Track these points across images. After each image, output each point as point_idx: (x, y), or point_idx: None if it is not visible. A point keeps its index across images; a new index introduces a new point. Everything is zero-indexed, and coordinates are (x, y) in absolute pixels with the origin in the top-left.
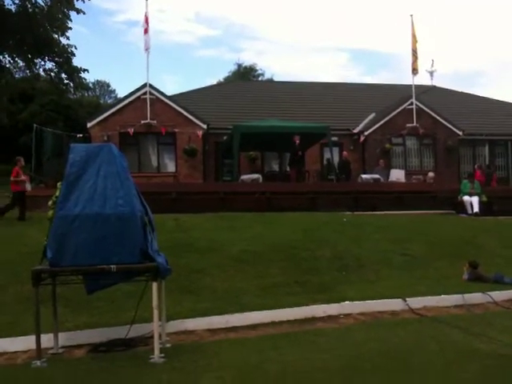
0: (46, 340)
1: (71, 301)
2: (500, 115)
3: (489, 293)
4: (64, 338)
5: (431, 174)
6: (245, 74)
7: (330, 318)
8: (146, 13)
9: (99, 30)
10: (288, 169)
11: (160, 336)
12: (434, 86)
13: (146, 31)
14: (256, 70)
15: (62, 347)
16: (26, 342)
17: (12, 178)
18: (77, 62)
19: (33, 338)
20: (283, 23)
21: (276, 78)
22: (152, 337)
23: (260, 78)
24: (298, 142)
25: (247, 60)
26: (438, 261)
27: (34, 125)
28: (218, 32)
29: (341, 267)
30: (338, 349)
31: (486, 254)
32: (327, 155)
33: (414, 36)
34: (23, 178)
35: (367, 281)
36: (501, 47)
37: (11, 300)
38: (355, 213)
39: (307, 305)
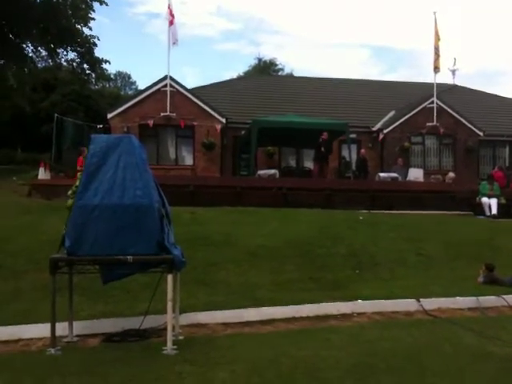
0: (61, 328)
1: (87, 290)
2: None
3: (504, 296)
4: (79, 327)
5: (451, 174)
6: (265, 69)
7: (343, 316)
8: (169, 5)
9: (120, 21)
10: (312, 165)
11: (173, 328)
12: (456, 85)
13: (171, 23)
14: (276, 65)
15: (77, 336)
16: (41, 330)
17: (78, 168)
18: (98, 52)
19: (48, 325)
20: (304, 18)
21: (296, 74)
22: (165, 328)
23: (280, 73)
24: (325, 138)
25: (267, 54)
26: (453, 262)
27: (55, 114)
28: (238, 25)
29: (355, 265)
30: (352, 347)
31: (502, 257)
32: (345, 152)
33: (436, 34)
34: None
35: (381, 279)
36: None
37: (29, 287)
38: (372, 211)
39: (321, 302)
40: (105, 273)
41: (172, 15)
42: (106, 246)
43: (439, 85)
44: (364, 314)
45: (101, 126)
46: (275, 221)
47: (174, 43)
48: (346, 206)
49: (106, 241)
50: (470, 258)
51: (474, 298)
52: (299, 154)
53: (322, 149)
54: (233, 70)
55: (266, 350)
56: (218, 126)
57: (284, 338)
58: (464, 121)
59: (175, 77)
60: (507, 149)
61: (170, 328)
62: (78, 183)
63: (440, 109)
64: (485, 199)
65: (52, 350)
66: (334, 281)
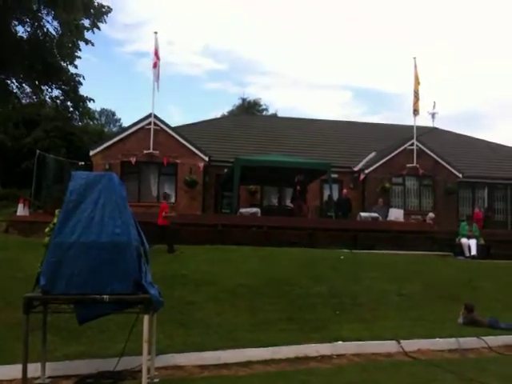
0: (33, 369)
1: (61, 329)
2: (500, 159)
3: (483, 338)
4: (52, 368)
5: (431, 215)
6: (249, 109)
7: (323, 357)
8: (156, 47)
9: (108, 60)
10: (290, 203)
11: (149, 370)
12: (435, 128)
13: (155, 65)
14: (260, 105)
15: (49, 377)
16: (12, 371)
17: (164, 214)
18: (84, 89)
19: (20, 366)
20: (289, 59)
21: (280, 114)
22: (141, 370)
23: (264, 113)
24: (298, 178)
25: (252, 94)
26: (434, 302)
27: (37, 150)
28: (224, 66)
29: (336, 305)
30: None
31: (482, 298)
32: (327, 192)
33: (416, 78)
34: (173, 214)
35: (362, 320)
36: (503, 90)
37: (1, 326)
38: (353, 251)
39: (300, 343)
40: (80, 312)
41: (157, 57)
42: (81, 284)
43: (419, 127)
44: (344, 355)
45: (83, 162)
46: (256, 259)
47: (156, 81)
48: (328, 245)
49: (81, 279)
50: (450, 299)
51: (454, 340)
52: (281, 193)
53: (298, 187)
54: (218, 110)
55: None
56: (201, 164)
57: (262, 380)
58: (443, 162)
59: (161, 115)
60: (486, 190)
61: (145, 370)
62: (55, 220)
63: (420, 150)
64: (464, 240)
65: None
66: (314, 321)
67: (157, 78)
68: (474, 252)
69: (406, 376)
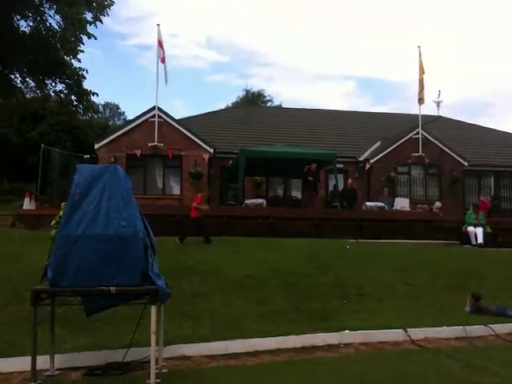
0: (43, 361)
1: (70, 322)
2: (506, 147)
3: (491, 325)
4: (60, 360)
5: (438, 204)
6: (253, 100)
7: (330, 347)
8: (160, 40)
9: (112, 53)
10: (299, 194)
11: (157, 361)
12: (440, 116)
13: (163, 60)
14: (264, 97)
15: (58, 369)
16: (21, 363)
17: (195, 204)
18: (88, 83)
19: (29, 359)
20: (292, 50)
21: (284, 105)
22: (149, 361)
23: (268, 105)
24: (313, 168)
25: (256, 85)
26: (440, 291)
27: (42, 144)
28: (227, 58)
29: (343, 295)
30: (338, 379)
31: (489, 286)
32: (332, 182)
33: (421, 67)
34: (205, 207)
35: (369, 310)
36: (508, 78)
37: (10, 319)
38: (359, 240)
39: (307, 333)
40: (88, 304)
41: (162, 48)
42: (89, 276)
43: (424, 116)
44: (351, 344)
45: (88, 156)
46: (262, 250)
47: (166, 82)
48: (334, 235)
49: (89, 272)
50: (457, 288)
51: (461, 328)
52: (286, 184)
53: (310, 178)
54: (222, 102)
55: (251, 383)
56: (206, 156)
57: (269, 370)
58: (449, 151)
59: (165, 108)
60: (492, 178)
61: (153, 361)
62: (61, 213)
63: (425, 139)
64: (471, 228)
65: None
66: (321, 311)
67: (165, 72)
68: (480, 240)
69: (413, 364)
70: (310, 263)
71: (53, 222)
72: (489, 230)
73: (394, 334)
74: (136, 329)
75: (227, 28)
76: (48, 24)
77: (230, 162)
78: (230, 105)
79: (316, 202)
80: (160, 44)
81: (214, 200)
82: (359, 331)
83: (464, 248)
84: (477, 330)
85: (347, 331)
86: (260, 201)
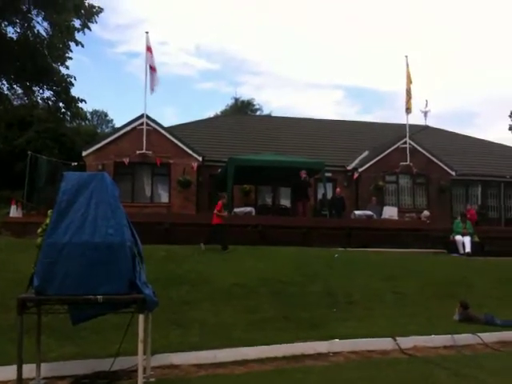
0: (29, 370)
1: (57, 330)
2: (493, 156)
3: (479, 334)
4: (47, 369)
5: (426, 213)
6: (242, 109)
7: (319, 355)
8: (149, 47)
9: (100, 60)
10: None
11: (144, 370)
12: (428, 126)
13: (154, 69)
14: (253, 105)
15: (44, 378)
16: (7, 372)
17: (216, 212)
18: (76, 90)
19: (15, 367)
20: (283, 59)
21: (274, 114)
22: (136, 370)
23: (258, 113)
24: (304, 176)
25: (246, 94)
26: (429, 300)
27: (29, 152)
28: (217, 66)
29: (331, 303)
30: None
31: (477, 295)
32: (321, 190)
33: (408, 76)
34: (225, 213)
35: (358, 318)
36: (495, 88)
37: None
38: (347, 249)
39: (296, 341)
40: (74, 313)
41: (151, 53)
42: (75, 285)
43: (412, 126)
44: (340, 353)
45: (75, 163)
46: (251, 259)
47: (152, 89)
48: (322, 243)
49: (75, 280)
50: (445, 296)
51: (449, 336)
52: (275, 192)
53: (305, 187)
54: (211, 110)
55: None
56: (195, 164)
57: (258, 378)
58: (436, 160)
59: (154, 116)
60: (479, 188)
61: (140, 370)
62: (48, 221)
63: (413, 149)
64: (458, 237)
65: None
66: (310, 320)
67: (156, 80)
68: (468, 249)
69: (402, 373)
70: (299, 272)
71: (39, 230)
72: (476, 238)
73: (383, 343)
74: (123, 338)
75: (217, 36)
76: (36, 31)
77: (219, 170)
78: (219, 113)
79: (308, 209)
80: (149, 50)
81: (202, 208)
82: (348, 340)
83: (452, 257)
84: (465, 338)
85: (336, 340)
86: (249, 209)
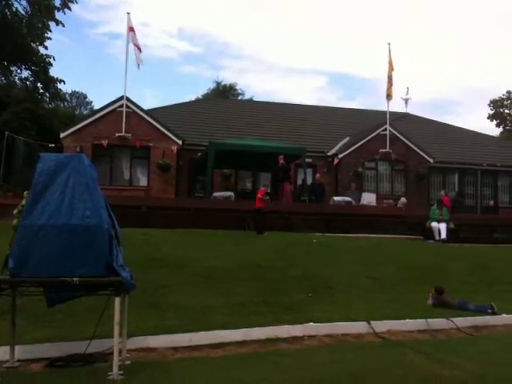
0: (2, 352)
1: (31, 313)
2: (471, 144)
3: (452, 319)
4: (21, 351)
5: (403, 200)
6: (224, 93)
7: (294, 339)
8: (131, 27)
9: (80, 41)
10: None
11: (120, 352)
12: (408, 113)
13: (139, 48)
14: (236, 90)
15: (19, 361)
16: None
17: (259, 196)
18: (56, 71)
19: None
20: (265, 43)
21: (256, 99)
22: (112, 353)
23: (239, 98)
24: (281, 161)
25: (227, 78)
26: (404, 285)
27: (6, 132)
28: (199, 49)
29: (309, 288)
30: (301, 370)
31: (452, 280)
32: (301, 176)
33: (390, 63)
34: (267, 197)
35: (335, 303)
36: (476, 77)
37: None
38: (326, 234)
39: (272, 325)
40: (50, 295)
41: (134, 34)
42: (51, 267)
43: (392, 113)
44: (314, 336)
45: (53, 145)
46: (230, 243)
47: (138, 65)
48: (302, 228)
49: (51, 262)
50: (421, 282)
51: (423, 321)
52: (255, 177)
53: (280, 174)
54: (193, 93)
55: (215, 374)
56: (174, 148)
57: (233, 361)
58: (415, 148)
59: (135, 98)
60: (456, 175)
61: (116, 352)
62: (24, 202)
63: (393, 136)
64: (434, 224)
65: None
66: (288, 304)
67: (137, 57)
68: (443, 236)
69: (375, 356)
70: (279, 256)
71: (15, 211)
72: (452, 225)
73: (358, 327)
74: (99, 320)
75: (199, 19)
76: (14, 9)
77: (199, 154)
78: (200, 97)
79: (290, 192)
80: (132, 30)
81: (182, 192)
82: (323, 324)
83: (428, 243)
84: (439, 323)
85: (311, 323)
86: (229, 193)
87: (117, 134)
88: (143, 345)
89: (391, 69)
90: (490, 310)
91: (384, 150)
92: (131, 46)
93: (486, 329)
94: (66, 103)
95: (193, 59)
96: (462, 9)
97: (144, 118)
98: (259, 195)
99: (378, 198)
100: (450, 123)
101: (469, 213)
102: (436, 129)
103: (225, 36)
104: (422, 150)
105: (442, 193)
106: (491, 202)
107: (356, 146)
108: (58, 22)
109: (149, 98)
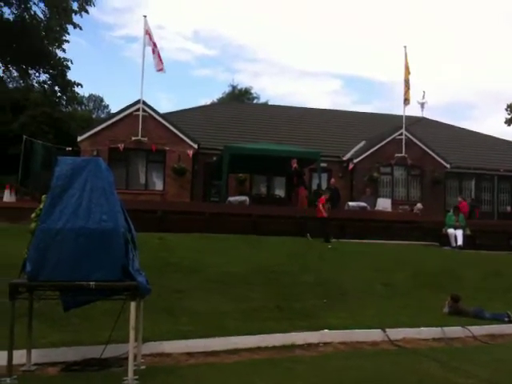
0: (19, 356)
1: (48, 317)
2: (488, 150)
3: (468, 327)
4: (37, 355)
5: (419, 206)
6: (239, 96)
7: (309, 345)
8: (148, 31)
9: (98, 44)
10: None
11: (135, 357)
12: (424, 118)
13: (153, 51)
14: (251, 94)
15: (35, 364)
16: None
17: (320, 205)
18: (74, 75)
19: (5, 353)
20: (280, 46)
21: (270, 102)
22: (127, 358)
23: (255, 102)
24: (295, 165)
25: (242, 81)
26: (419, 292)
27: (24, 136)
28: (214, 52)
29: (323, 294)
30: (316, 377)
31: (467, 288)
32: (316, 181)
33: (406, 67)
34: (328, 206)
35: (349, 309)
36: (492, 81)
37: None
38: (340, 240)
39: (287, 331)
40: (66, 299)
41: (154, 43)
42: (68, 271)
43: (408, 117)
44: (330, 343)
45: (70, 148)
46: (244, 248)
47: (159, 70)
48: (316, 233)
49: (68, 266)
50: (436, 289)
51: (439, 329)
52: (270, 182)
53: (295, 179)
54: (208, 97)
55: (230, 380)
56: (190, 152)
57: (248, 368)
58: (431, 153)
59: (150, 101)
60: (473, 181)
61: (131, 357)
62: (41, 206)
63: (408, 140)
64: (451, 230)
65: (8, 380)
66: (301, 310)
67: (159, 61)
68: (460, 242)
69: (390, 364)
70: (292, 262)
71: (33, 215)
72: (468, 232)
73: (373, 334)
74: (115, 325)
75: (215, 22)
76: (33, 12)
77: (214, 158)
78: (215, 100)
79: (306, 197)
80: (148, 34)
81: (197, 196)
82: (338, 330)
83: (443, 250)
84: (454, 331)
85: (327, 330)
86: (243, 198)
87: (133, 138)
88: (158, 350)
89: (408, 72)
90: (506, 319)
91: (400, 155)
92: (148, 49)
93: (502, 337)
94: (83, 107)
95: (208, 62)
96: (478, 11)
97: (160, 122)
98: (320, 205)
99: (393, 204)
100: (466, 128)
101: (486, 219)
102: (452, 133)
103: (240, 39)
104: (438, 154)
105: (460, 199)
106: (508, 208)
107: (371, 151)
108: (75, 25)
109: (163, 101)
